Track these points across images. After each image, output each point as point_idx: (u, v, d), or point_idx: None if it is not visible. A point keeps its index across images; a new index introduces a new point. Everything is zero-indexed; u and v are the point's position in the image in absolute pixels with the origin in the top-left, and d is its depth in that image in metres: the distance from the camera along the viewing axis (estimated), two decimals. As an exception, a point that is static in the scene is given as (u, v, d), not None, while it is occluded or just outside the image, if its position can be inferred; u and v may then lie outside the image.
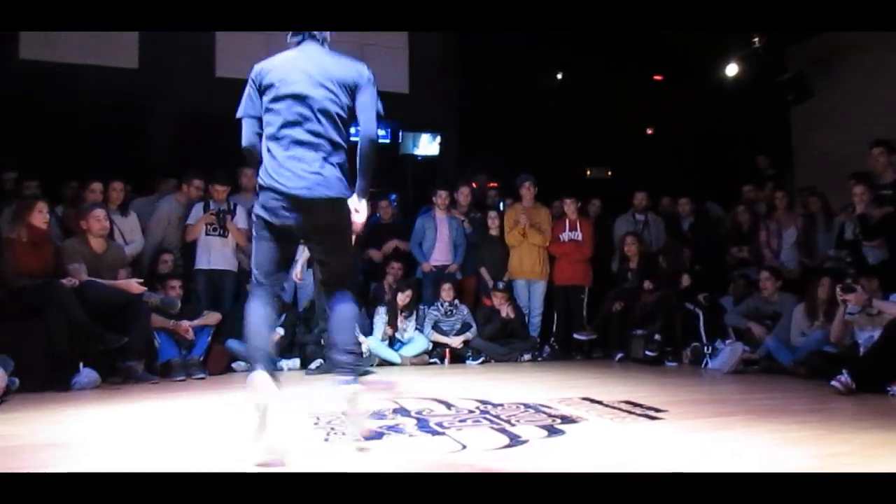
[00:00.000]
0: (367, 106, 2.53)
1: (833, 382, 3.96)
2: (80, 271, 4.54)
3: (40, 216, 4.52)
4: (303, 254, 5.02)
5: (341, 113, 2.51)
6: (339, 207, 2.51)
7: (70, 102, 6.67)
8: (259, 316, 2.51)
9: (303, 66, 2.50)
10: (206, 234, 5.69)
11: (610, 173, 9.44)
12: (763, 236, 6.22)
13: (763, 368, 5.17)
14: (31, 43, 6.74)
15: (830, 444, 2.61)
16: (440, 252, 6.43)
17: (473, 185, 7.07)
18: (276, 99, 2.49)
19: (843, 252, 5.29)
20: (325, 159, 2.46)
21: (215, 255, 5.71)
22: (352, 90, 2.52)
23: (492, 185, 8.20)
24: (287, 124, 2.46)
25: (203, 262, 5.69)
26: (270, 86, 2.50)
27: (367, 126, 2.54)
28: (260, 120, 2.56)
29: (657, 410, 3.33)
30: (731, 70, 7.89)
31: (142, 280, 4.83)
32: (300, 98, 2.46)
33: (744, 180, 7.06)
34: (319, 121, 2.46)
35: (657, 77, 9.02)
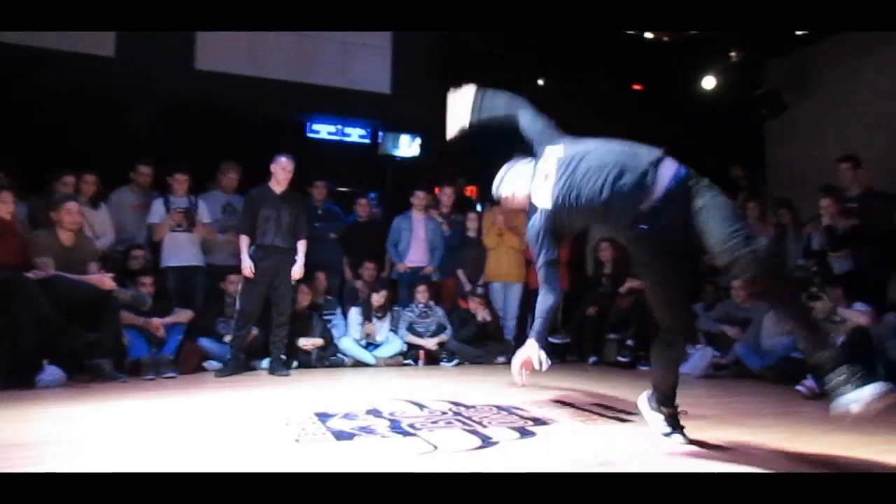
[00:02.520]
0: None
1: (799, 387, 4.07)
2: (48, 265, 4.43)
3: (4, 206, 4.42)
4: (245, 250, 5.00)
5: None
6: None
7: (42, 91, 6.55)
8: None
9: None
10: (172, 231, 5.59)
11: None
12: (736, 245, 6.31)
13: (733, 373, 5.26)
14: (-1, 27, 6.58)
15: (796, 445, 2.68)
16: (416, 253, 6.43)
17: (454, 188, 7.08)
18: None
19: (810, 262, 5.41)
20: None
21: (183, 251, 5.62)
22: None
23: (470, 188, 8.23)
24: None
25: (171, 259, 5.60)
26: None
27: None
28: None
29: (628, 413, 3.36)
30: (709, 83, 8.02)
31: (113, 275, 4.74)
32: None
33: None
34: None
35: (637, 86, 9.12)
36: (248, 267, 4.97)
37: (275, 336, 5.11)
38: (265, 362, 5.32)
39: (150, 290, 5.12)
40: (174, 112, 7.05)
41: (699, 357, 5.37)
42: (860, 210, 5.33)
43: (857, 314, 4.40)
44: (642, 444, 2.68)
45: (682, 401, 4.10)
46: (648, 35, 7.43)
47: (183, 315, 5.23)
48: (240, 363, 5.08)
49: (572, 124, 8.60)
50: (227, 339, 5.29)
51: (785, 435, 2.90)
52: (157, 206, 5.62)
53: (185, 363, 5.10)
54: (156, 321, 5.01)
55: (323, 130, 8.33)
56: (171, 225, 5.56)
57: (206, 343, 5.32)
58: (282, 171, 5.11)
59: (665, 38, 7.45)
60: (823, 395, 3.91)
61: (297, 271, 5.20)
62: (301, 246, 5.19)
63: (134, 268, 5.35)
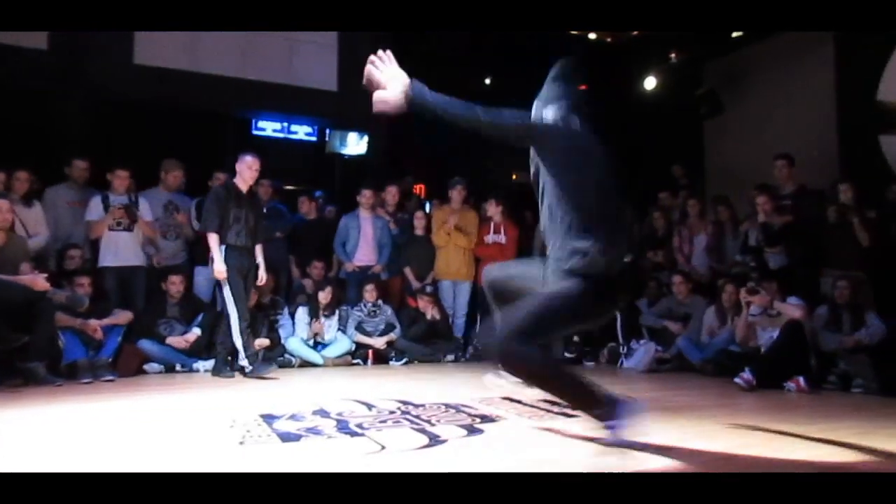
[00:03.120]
0: None
1: (737, 379, 4.22)
2: (-24, 266, 4.24)
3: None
4: (218, 250, 4.85)
5: None
6: None
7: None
8: None
9: None
10: (111, 230, 5.38)
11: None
12: (676, 241, 6.51)
13: (675, 367, 5.42)
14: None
15: (734, 436, 2.78)
16: (364, 252, 6.38)
17: (401, 186, 7.06)
18: None
19: (747, 257, 5.62)
20: None
21: (123, 250, 5.42)
22: None
23: (417, 186, 8.22)
24: None
25: (109, 258, 5.39)
26: None
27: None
28: None
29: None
30: (650, 83, 8.23)
31: (47, 275, 4.54)
32: None
33: (660, 188, 7.37)
34: None
35: (581, 87, 9.28)
36: (221, 270, 4.81)
37: (225, 336, 4.96)
38: (207, 364, 5.22)
39: (88, 291, 4.92)
40: (112, 108, 6.82)
41: (643, 352, 5.52)
42: (794, 207, 5.55)
43: (792, 308, 4.59)
44: (587, 440, 2.73)
45: (625, 394, 4.22)
46: (592, 35, 7.57)
47: (122, 316, 5.05)
48: (266, 362, 4.97)
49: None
50: (170, 340, 5.17)
51: (723, 426, 3.00)
52: (96, 204, 5.41)
53: (124, 366, 4.94)
54: (93, 323, 4.82)
55: (269, 128, 8.20)
56: (111, 223, 5.36)
57: (146, 345, 5.17)
58: (248, 169, 4.98)
59: (608, 39, 7.61)
60: (760, 387, 4.12)
61: (263, 277, 5.11)
62: (259, 250, 5.10)
63: (70, 268, 5.14)
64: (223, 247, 4.87)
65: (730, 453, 2.48)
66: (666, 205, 7.13)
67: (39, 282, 4.40)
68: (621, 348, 5.86)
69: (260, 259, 5.08)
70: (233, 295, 4.83)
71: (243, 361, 4.81)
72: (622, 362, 5.71)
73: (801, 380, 4.16)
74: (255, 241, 5.04)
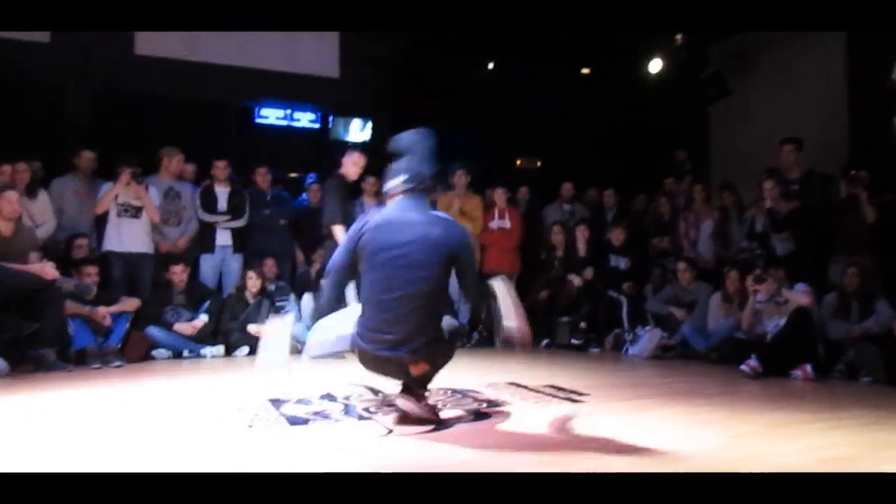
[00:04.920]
0: None
1: (742, 367, 4.20)
2: (-14, 256, 4.27)
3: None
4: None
5: None
6: None
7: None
8: None
9: None
10: (118, 216, 5.40)
11: (539, 164, 9.61)
12: (682, 227, 6.49)
13: (679, 354, 5.41)
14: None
15: (737, 424, 2.78)
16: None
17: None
18: None
19: (753, 244, 5.59)
20: None
21: (128, 237, 5.43)
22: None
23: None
24: None
25: (114, 243, 5.40)
26: None
27: None
28: None
29: (579, 394, 3.45)
30: (655, 66, 8.16)
31: (55, 264, 4.58)
32: None
33: (665, 173, 7.34)
34: None
35: (585, 70, 9.23)
36: None
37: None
38: (214, 349, 5.29)
39: (95, 280, 4.96)
40: (114, 99, 6.83)
41: (647, 339, 5.52)
42: (801, 192, 5.50)
43: (799, 295, 4.54)
44: (593, 424, 2.75)
45: (629, 381, 4.24)
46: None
47: (129, 304, 5.10)
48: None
49: (522, 108, 8.68)
50: (177, 327, 5.21)
51: (727, 413, 3.01)
52: (106, 187, 5.45)
53: (132, 352, 5.00)
54: (101, 310, 4.87)
55: (272, 115, 8.18)
56: (117, 207, 5.38)
57: (153, 332, 5.20)
58: (352, 165, 5.17)
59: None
60: (766, 375, 4.10)
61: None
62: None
63: (77, 257, 5.17)
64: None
65: (731, 441, 2.48)
66: (671, 190, 7.10)
67: (48, 270, 4.44)
68: (626, 335, 5.86)
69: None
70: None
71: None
72: (627, 349, 5.71)
73: (808, 367, 4.12)
74: None
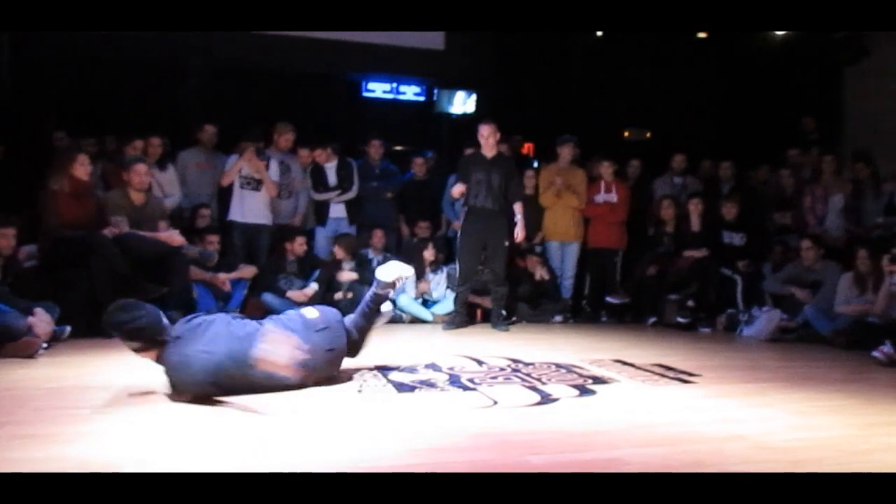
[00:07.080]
0: None
1: (875, 353, 3.89)
2: (123, 224, 4.63)
3: (82, 168, 4.59)
4: None
5: None
6: None
7: (104, 59, 6.73)
8: None
9: None
10: (241, 188, 5.70)
11: (649, 135, 9.21)
12: (808, 202, 6.03)
13: (801, 337, 5.07)
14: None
15: (867, 414, 2.58)
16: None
17: (510, 145, 6.95)
18: None
19: (891, 219, 5.12)
20: None
21: (249, 208, 5.72)
22: None
23: (527, 144, 8.08)
24: None
25: (237, 214, 5.71)
26: None
27: None
28: None
29: (690, 374, 3.31)
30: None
31: (180, 232, 4.91)
32: None
33: (789, 143, 6.83)
34: None
35: (701, 34, 8.69)
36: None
37: (494, 294, 5.41)
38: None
39: (217, 248, 5.28)
40: (229, 75, 7.16)
41: (766, 320, 5.20)
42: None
43: (941, 276, 4.15)
44: (704, 407, 2.64)
45: (745, 363, 4.02)
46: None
47: (247, 271, 5.40)
48: (463, 318, 5.43)
49: (634, 77, 8.34)
50: (290, 294, 5.44)
51: (856, 402, 2.80)
52: (231, 162, 5.76)
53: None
54: (222, 276, 5.19)
55: (378, 89, 8.31)
56: (239, 178, 5.67)
57: (268, 298, 5.47)
58: (482, 138, 5.34)
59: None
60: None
61: (520, 233, 5.38)
62: (518, 207, 5.35)
63: (201, 225, 5.52)
64: (465, 208, 5.36)
65: (861, 432, 2.30)
66: (796, 162, 6.60)
67: (175, 237, 4.77)
68: (741, 315, 5.56)
69: (518, 216, 5.33)
70: (460, 252, 5.39)
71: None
72: (741, 329, 5.42)
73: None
74: (503, 201, 5.31)
